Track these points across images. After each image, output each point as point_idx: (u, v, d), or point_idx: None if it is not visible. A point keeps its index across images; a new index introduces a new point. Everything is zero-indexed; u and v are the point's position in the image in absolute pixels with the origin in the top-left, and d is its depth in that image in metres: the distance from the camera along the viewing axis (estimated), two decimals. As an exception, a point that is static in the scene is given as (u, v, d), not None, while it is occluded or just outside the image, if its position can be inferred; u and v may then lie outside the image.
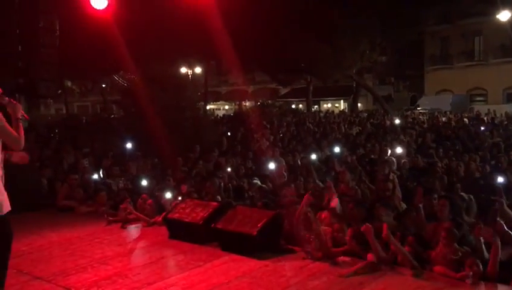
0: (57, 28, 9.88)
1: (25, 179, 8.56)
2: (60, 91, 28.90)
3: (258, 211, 6.24)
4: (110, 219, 7.54)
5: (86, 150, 11.90)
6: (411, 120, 20.82)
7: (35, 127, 14.64)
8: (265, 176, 8.86)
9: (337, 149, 11.68)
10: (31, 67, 9.58)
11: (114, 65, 19.94)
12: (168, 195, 7.50)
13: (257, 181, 8.40)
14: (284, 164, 9.62)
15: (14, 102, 4.17)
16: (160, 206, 7.49)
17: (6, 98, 4.18)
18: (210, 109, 37.86)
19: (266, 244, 5.74)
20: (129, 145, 12.01)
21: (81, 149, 11.82)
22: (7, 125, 3.99)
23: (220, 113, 38.10)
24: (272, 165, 9.04)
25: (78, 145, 12.39)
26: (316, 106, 40.56)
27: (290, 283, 4.78)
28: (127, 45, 14.33)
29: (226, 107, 46.61)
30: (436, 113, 24.98)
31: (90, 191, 8.89)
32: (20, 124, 4.12)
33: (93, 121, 22.95)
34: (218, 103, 46.97)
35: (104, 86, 36.12)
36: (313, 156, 10.64)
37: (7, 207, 4.11)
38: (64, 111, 37.95)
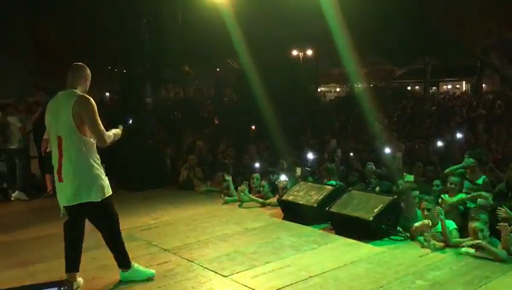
0: (179, 17, 10.44)
1: (152, 159, 9.30)
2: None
3: (375, 196, 6.10)
4: (227, 198, 7.89)
5: (206, 131, 12.48)
6: (546, 102, 18.81)
7: (158, 110, 15.71)
8: (379, 161, 8.59)
9: (458, 134, 10.94)
10: (156, 54, 10.26)
11: (229, 49, 20.52)
12: (283, 177, 7.63)
13: (371, 165, 8.20)
14: (403, 148, 9.25)
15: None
16: (274, 188, 7.65)
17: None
18: (321, 92, 37.46)
19: (383, 230, 5.61)
20: (252, 127, 12.31)
21: (200, 130, 12.43)
22: (98, 119, 4.10)
23: (331, 95, 37.56)
24: (387, 150, 8.75)
25: (195, 127, 13.06)
26: (434, 88, 38.29)
27: (408, 271, 4.60)
28: (242, 29, 14.64)
29: (338, 89, 45.79)
30: None
31: (207, 171, 9.36)
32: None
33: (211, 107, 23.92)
34: (330, 85, 46.26)
35: (218, 70, 37.33)
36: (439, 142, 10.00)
37: (109, 191, 4.33)
38: (182, 94, 40.01)
